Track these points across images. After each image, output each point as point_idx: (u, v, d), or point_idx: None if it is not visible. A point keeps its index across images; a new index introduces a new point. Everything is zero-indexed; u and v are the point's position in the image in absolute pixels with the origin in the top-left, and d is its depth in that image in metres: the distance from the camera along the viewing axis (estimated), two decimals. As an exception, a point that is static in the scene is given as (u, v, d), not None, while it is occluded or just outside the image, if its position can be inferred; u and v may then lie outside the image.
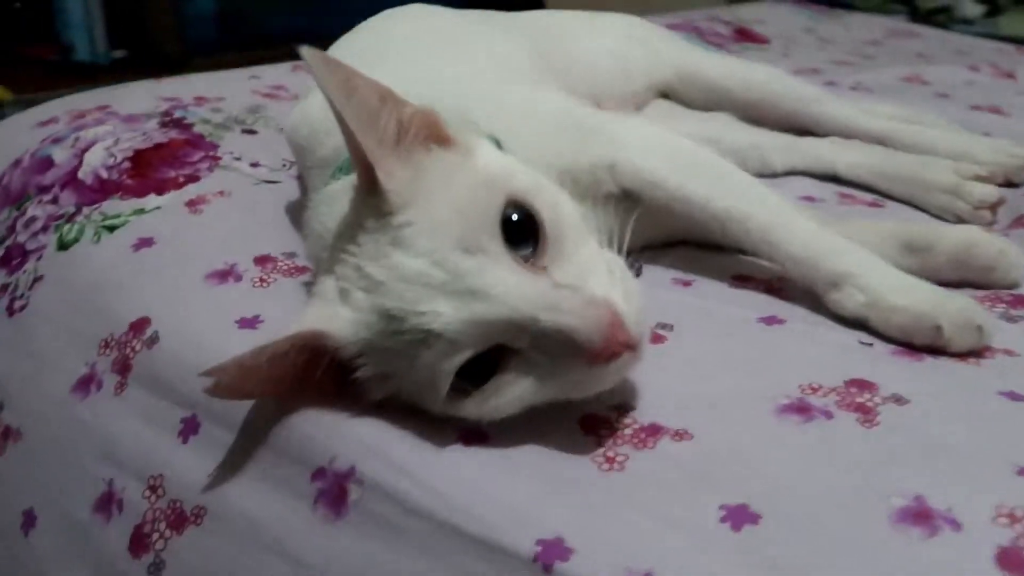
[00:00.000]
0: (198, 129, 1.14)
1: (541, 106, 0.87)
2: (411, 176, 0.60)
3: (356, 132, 0.60)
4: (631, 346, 0.55)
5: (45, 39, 2.59)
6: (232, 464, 0.68)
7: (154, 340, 0.78)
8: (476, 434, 0.62)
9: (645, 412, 0.64)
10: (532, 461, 0.60)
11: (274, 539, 0.63)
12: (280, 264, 0.86)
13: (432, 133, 0.64)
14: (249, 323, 0.75)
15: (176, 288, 0.84)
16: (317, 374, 0.62)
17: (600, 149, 0.82)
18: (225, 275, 0.84)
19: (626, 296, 0.57)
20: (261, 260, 0.86)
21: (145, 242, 0.90)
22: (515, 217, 0.58)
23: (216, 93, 1.31)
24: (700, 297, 0.83)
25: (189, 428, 0.72)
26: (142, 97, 1.27)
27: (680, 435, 0.62)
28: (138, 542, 0.70)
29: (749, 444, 0.61)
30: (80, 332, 0.83)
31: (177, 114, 1.19)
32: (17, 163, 1.10)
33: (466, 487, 0.59)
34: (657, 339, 0.73)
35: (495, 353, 0.57)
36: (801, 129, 1.22)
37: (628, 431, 0.62)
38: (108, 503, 0.73)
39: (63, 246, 0.94)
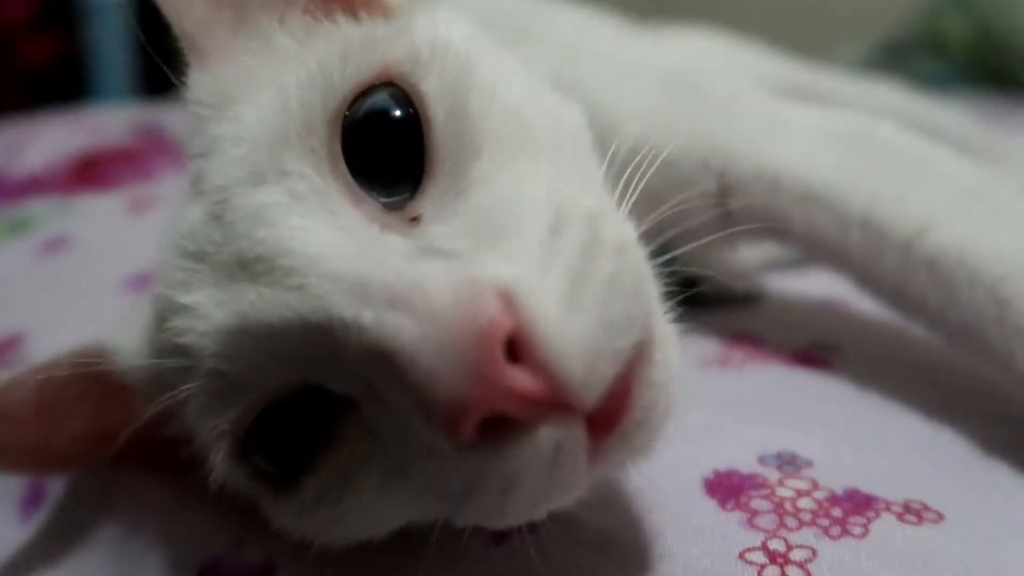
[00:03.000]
0: (174, 138, 0.90)
1: (626, 48, 0.58)
2: (248, 67, 0.33)
3: None
4: (556, 400, 0.24)
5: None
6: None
7: (20, 363, 0.50)
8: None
9: (830, 468, 0.34)
10: (619, 564, 0.30)
11: None
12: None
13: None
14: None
15: (76, 296, 0.57)
16: (130, 431, 0.35)
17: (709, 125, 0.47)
18: (148, 280, 0.57)
19: (573, 281, 0.25)
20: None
21: (56, 244, 0.64)
22: (397, 113, 0.30)
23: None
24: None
25: (34, 497, 0.43)
26: (136, 113, 1.04)
27: (914, 512, 0.31)
28: None
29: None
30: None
31: (155, 126, 0.95)
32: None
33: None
34: (809, 361, 0.44)
35: (326, 408, 0.28)
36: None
37: (806, 503, 0.32)
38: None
39: (-46, 254, 0.68)
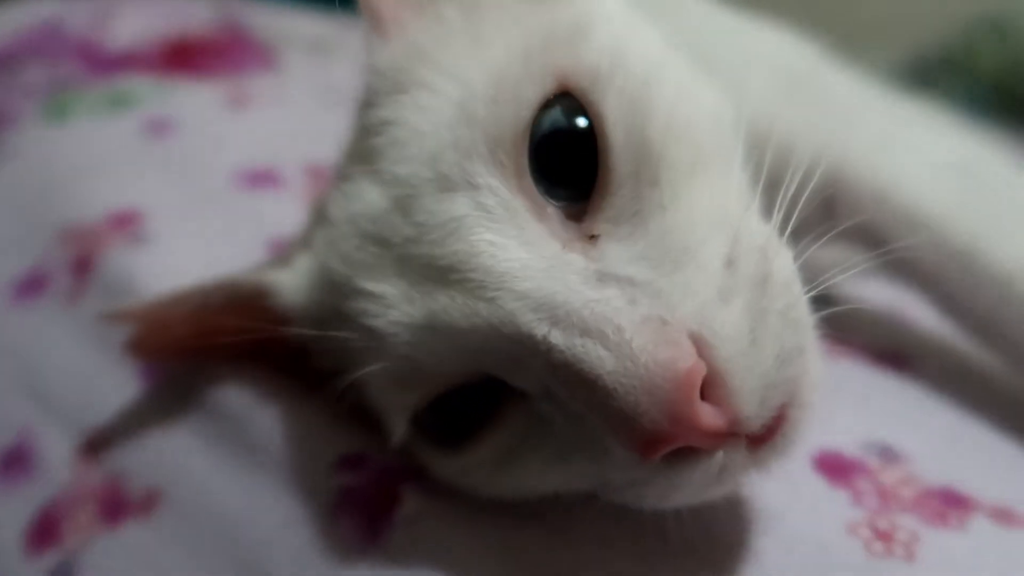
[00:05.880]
0: (258, 36, 0.91)
1: (749, 31, 0.58)
2: (423, 47, 0.34)
3: None
4: (734, 432, 0.27)
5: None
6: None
7: (143, 240, 0.53)
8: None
9: (924, 465, 0.38)
10: (734, 527, 0.34)
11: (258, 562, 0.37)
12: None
13: None
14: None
15: (190, 185, 0.59)
16: (275, 352, 0.39)
17: (825, 128, 0.47)
18: (261, 178, 0.59)
19: (752, 317, 0.28)
20: (315, 172, 0.61)
21: (161, 125, 0.66)
22: (581, 123, 0.31)
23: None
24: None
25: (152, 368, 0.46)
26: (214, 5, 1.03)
27: (1004, 515, 0.35)
28: (43, 530, 0.43)
29: None
30: (41, 219, 0.58)
31: (236, 22, 0.95)
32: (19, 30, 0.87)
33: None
34: (892, 362, 0.47)
35: (490, 385, 0.31)
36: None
37: (907, 491, 0.36)
38: (15, 463, 0.47)
39: (53, 117, 0.69)
